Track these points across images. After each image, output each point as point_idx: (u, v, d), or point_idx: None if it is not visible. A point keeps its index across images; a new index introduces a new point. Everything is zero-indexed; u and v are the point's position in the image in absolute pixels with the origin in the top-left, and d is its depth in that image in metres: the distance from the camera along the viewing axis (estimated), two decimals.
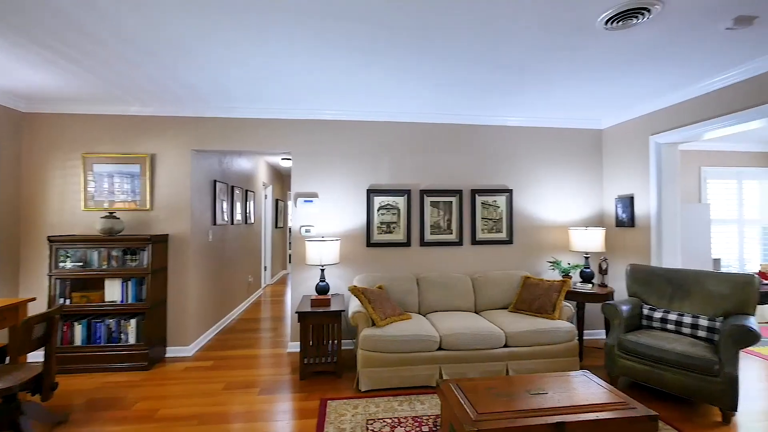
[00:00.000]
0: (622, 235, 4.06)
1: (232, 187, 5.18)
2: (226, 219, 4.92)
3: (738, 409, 2.68)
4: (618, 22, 2.13)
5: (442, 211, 4.13)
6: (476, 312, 3.78)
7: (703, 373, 2.55)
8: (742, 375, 3.33)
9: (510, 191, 4.20)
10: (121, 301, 3.48)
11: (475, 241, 4.15)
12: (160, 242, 3.62)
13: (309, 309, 3.27)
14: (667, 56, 2.64)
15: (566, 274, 3.90)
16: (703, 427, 2.47)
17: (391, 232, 4.05)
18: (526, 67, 2.81)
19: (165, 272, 3.74)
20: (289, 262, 9.73)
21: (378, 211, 4.03)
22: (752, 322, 2.63)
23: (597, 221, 4.36)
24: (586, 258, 3.88)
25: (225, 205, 4.92)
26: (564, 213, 4.31)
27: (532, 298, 3.53)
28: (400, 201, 4.07)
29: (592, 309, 4.33)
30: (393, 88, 3.25)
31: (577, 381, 2.22)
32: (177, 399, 2.90)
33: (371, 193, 4.01)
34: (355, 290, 3.27)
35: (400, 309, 3.43)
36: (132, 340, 3.48)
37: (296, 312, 3.23)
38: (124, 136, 3.76)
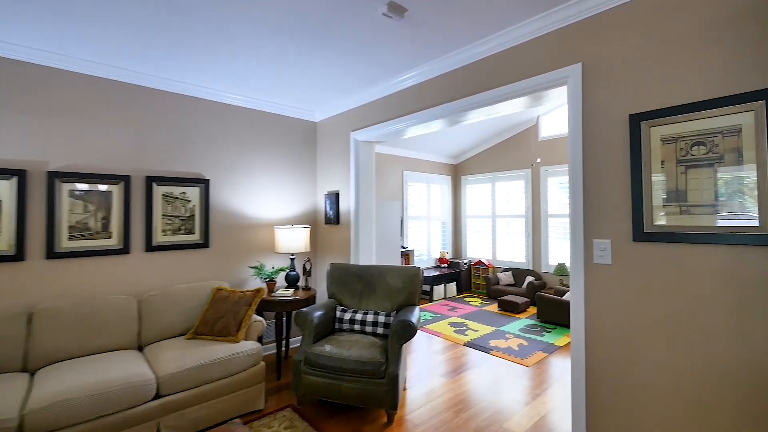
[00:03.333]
0: (330, 233, 3.94)
1: None
2: None
3: (399, 406, 2.76)
4: None
5: (94, 206, 2.80)
6: (141, 347, 2.71)
7: (373, 376, 2.45)
8: (417, 355, 3.72)
9: (206, 181, 3.33)
10: None
11: (151, 247, 3.04)
12: None
13: None
14: (342, 41, 2.41)
15: (270, 280, 3.39)
16: None
17: None
18: (207, 17, 1.98)
19: None
20: None
21: None
22: (415, 313, 2.77)
23: (311, 219, 4.11)
24: (292, 260, 3.49)
25: None
26: (277, 210, 3.82)
27: (216, 317, 2.78)
28: (5, 188, 2.47)
29: None
30: None
31: None
32: None
33: None
34: None
35: None
36: None
37: None
38: None
